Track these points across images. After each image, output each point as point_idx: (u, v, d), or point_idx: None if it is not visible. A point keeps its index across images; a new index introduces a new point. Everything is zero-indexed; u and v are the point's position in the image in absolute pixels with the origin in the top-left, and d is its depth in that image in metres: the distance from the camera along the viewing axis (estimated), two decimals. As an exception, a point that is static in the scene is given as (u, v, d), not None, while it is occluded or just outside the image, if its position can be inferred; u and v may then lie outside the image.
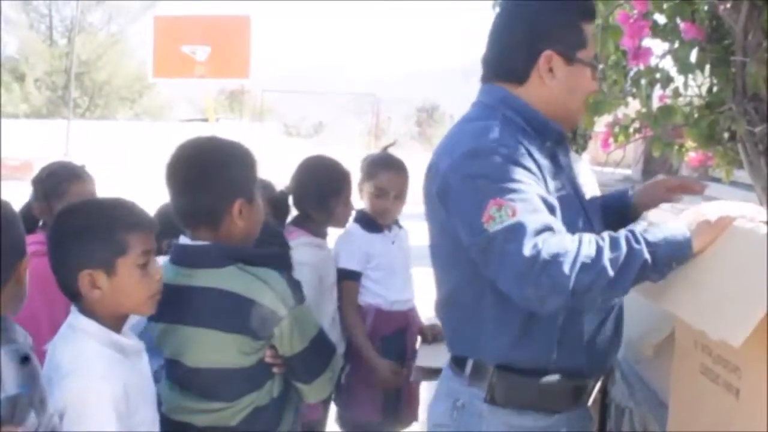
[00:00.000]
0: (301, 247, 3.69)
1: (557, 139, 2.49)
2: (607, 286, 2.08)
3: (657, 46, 3.28)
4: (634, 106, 3.56)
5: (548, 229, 2.15)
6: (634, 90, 3.37)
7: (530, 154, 2.32)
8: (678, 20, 3.17)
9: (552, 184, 2.36)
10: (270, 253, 2.67)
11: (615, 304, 2.46)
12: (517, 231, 2.13)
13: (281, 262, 2.67)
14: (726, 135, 3.06)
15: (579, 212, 2.42)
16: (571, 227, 2.24)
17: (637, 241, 2.07)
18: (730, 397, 1.86)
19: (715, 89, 3.26)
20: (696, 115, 3.19)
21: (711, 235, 2.03)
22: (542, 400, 2.40)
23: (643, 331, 2.62)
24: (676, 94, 3.22)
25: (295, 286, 2.60)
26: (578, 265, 2.06)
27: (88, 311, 2.40)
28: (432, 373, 3.55)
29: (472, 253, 2.27)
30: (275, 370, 2.60)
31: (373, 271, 3.99)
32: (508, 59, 2.50)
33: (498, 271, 2.20)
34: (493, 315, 2.38)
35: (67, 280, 2.41)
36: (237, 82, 24.38)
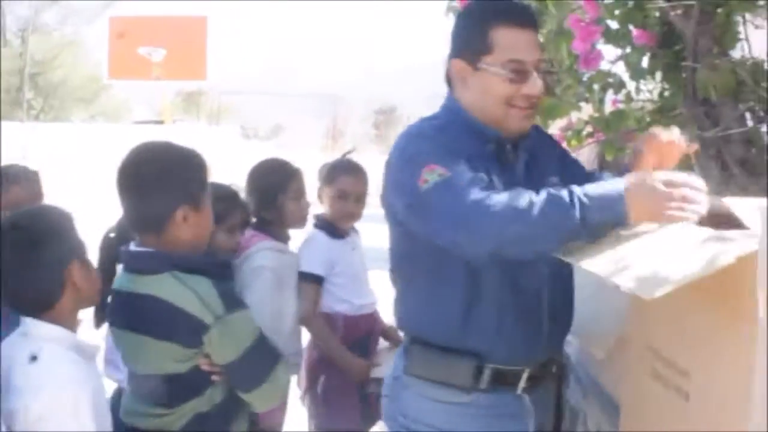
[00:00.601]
0: (261, 252, 3.69)
1: (498, 142, 2.52)
2: (536, 238, 2.17)
3: (609, 51, 3.32)
4: (587, 110, 3.60)
5: (481, 181, 2.29)
6: (588, 95, 3.41)
7: (456, 144, 2.42)
8: (630, 26, 3.21)
9: (495, 180, 2.43)
10: (206, 260, 2.64)
11: (537, 293, 2.49)
12: (450, 183, 2.27)
13: (218, 270, 2.63)
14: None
15: None
16: None
17: (571, 198, 2.12)
18: (680, 401, 1.88)
19: (666, 94, 3.30)
20: (648, 120, 3.23)
21: (651, 200, 2.04)
22: (450, 376, 2.51)
23: (595, 334, 2.63)
24: (629, 98, 3.26)
25: (228, 295, 2.56)
26: (508, 214, 2.16)
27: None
28: None
29: (409, 217, 2.43)
30: (214, 378, 2.58)
31: (337, 278, 3.97)
32: (445, 68, 2.61)
33: (432, 222, 2.32)
34: (413, 291, 2.59)
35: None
36: (194, 84, 24.25)
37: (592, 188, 2.14)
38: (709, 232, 1.86)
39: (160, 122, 22.76)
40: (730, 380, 1.69)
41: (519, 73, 2.44)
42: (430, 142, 2.44)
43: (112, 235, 3.54)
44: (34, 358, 2.29)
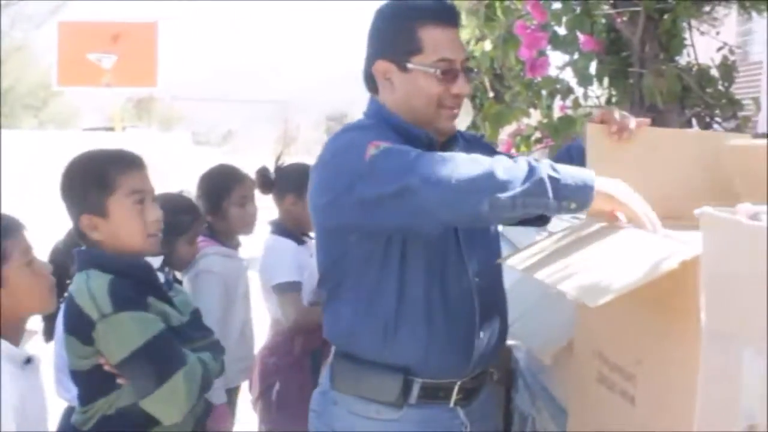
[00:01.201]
0: (208, 257, 3.68)
1: (427, 143, 2.45)
2: (495, 188, 2.03)
3: (557, 57, 3.34)
4: (535, 116, 3.61)
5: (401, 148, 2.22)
6: (536, 101, 3.42)
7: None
8: (577, 32, 3.23)
9: None
10: (120, 260, 2.61)
11: (468, 305, 2.44)
12: (396, 148, 2.21)
13: (130, 270, 2.60)
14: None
15: None
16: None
17: (538, 162, 2.07)
18: (626, 404, 1.89)
19: (613, 100, 3.33)
20: (595, 126, 3.24)
21: (612, 203, 2.02)
22: (378, 392, 2.45)
23: (543, 340, 2.64)
24: (576, 104, 3.28)
25: (120, 294, 2.52)
26: (463, 163, 2.09)
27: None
28: None
29: (361, 190, 2.23)
30: (119, 380, 2.55)
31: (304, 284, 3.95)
32: (363, 72, 2.56)
33: (376, 183, 2.20)
34: (340, 303, 2.49)
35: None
36: (145, 90, 24.06)
37: (563, 166, 2.07)
38: (652, 236, 1.87)
39: (111, 129, 22.57)
40: (675, 384, 1.70)
41: (448, 72, 2.41)
42: (365, 130, 2.40)
43: (60, 246, 3.49)
44: None
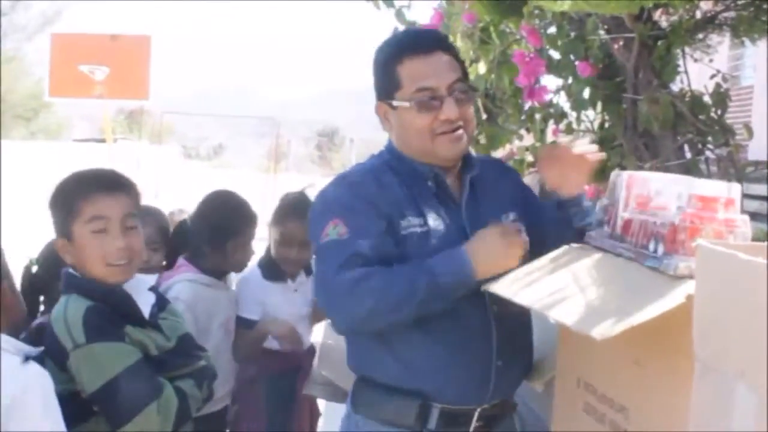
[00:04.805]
0: (179, 283, 3.54)
1: (435, 178, 2.50)
2: (388, 313, 2.30)
3: (551, 81, 3.35)
4: (528, 139, 3.62)
5: (360, 255, 2.34)
6: (529, 124, 3.43)
7: (383, 191, 2.46)
8: (572, 57, 3.24)
9: (411, 221, 2.45)
10: (97, 286, 2.56)
11: (485, 332, 2.45)
12: (340, 247, 2.36)
13: (106, 297, 2.55)
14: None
15: (450, 246, 2.39)
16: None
17: (424, 272, 2.28)
18: (617, 436, 1.88)
19: (606, 125, 3.33)
20: (588, 151, 3.24)
21: (492, 252, 2.27)
22: (397, 417, 2.48)
23: (535, 366, 2.63)
24: (569, 129, 3.29)
25: (95, 324, 2.48)
26: (364, 294, 2.28)
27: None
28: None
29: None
30: (96, 408, 2.52)
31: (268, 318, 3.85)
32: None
33: (320, 266, 2.46)
34: (356, 334, 2.55)
35: None
36: (136, 103, 24.03)
37: (438, 257, 2.30)
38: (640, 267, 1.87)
39: (102, 140, 22.52)
40: (668, 418, 1.69)
41: (431, 100, 2.44)
42: (348, 191, 2.48)
43: (34, 267, 3.43)
44: None
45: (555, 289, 1.92)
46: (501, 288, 2.14)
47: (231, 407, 3.85)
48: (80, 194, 2.57)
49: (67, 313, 2.48)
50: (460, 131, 2.48)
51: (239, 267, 3.77)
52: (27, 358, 2.26)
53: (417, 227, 2.44)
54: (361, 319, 2.33)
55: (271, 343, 3.83)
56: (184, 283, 3.52)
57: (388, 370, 2.48)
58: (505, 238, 2.27)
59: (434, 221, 2.45)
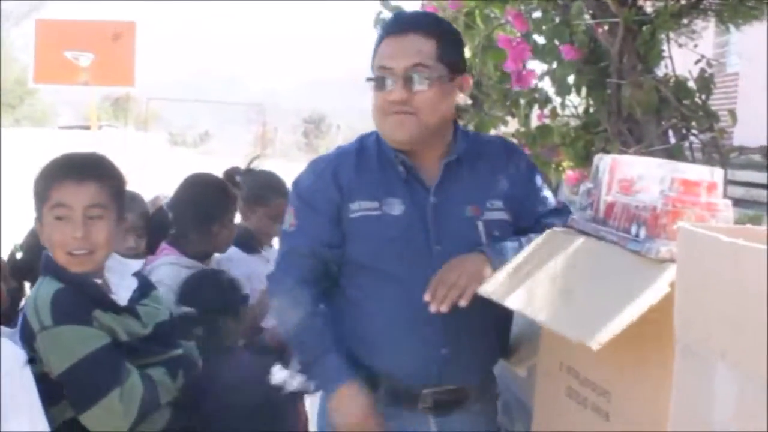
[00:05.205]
0: (162, 267, 3.52)
1: (404, 163, 2.55)
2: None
3: (536, 66, 3.35)
4: (513, 124, 3.62)
5: (297, 253, 2.59)
6: (514, 109, 3.43)
7: (338, 179, 2.57)
8: (557, 42, 3.23)
9: (362, 204, 2.54)
10: (66, 271, 2.54)
11: (431, 317, 2.43)
12: (287, 239, 2.67)
13: (76, 281, 2.53)
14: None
15: (406, 230, 2.52)
16: (383, 243, 2.52)
17: (312, 348, 2.55)
18: (599, 420, 1.88)
19: (591, 110, 3.33)
20: (572, 135, 3.25)
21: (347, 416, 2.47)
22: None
23: (517, 351, 2.63)
24: (554, 114, 3.28)
25: (63, 307, 2.46)
26: (275, 296, 2.65)
27: None
28: None
29: None
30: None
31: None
32: None
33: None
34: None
35: None
36: (122, 89, 23.91)
37: (331, 365, 2.51)
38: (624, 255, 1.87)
39: (87, 127, 22.41)
40: (651, 401, 1.70)
41: (383, 79, 2.49)
42: (309, 180, 2.63)
43: (19, 254, 3.42)
44: None
45: (543, 288, 1.93)
46: (491, 289, 2.15)
47: None
48: (50, 179, 2.56)
49: (37, 296, 2.47)
50: (405, 115, 2.49)
51: (223, 247, 3.77)
52: None
53: (369, 211, 2.52)
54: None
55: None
56: (168, 266, 3.52)
57: (348, 342, 2.56)
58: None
59: (391, 206, 2.51)
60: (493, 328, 2.59)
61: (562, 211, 2.62)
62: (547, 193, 2.71)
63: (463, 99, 2.61)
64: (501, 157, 2.68)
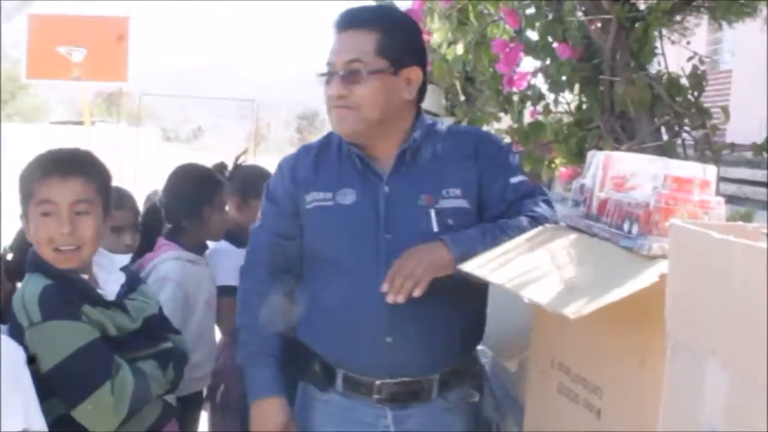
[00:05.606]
0: (166, 262, 3.55)
1: (359, 156, 2.62)
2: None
3: (529, 63, 3.34)
4: (506, 121, 3.61)
5: (259, 247, 2.80)
6: (507, 106, 3.42)
7: (295, 173, 2.72)
8: (549, 38, 3.23)
9: (316, 195, 2.65)
10: (55, 269, 2.55)
11: (373, 309, 2.52)
12: (254, 236, 2.86)
13: (63, 277, 2.54)
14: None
15: (357, 219, 2.59)
16: (334, 233, 2.62)
17: (254, 353, 2.70)
18: (591, 417, 1.88)
19: (584, 107, 3.33)
20: (565, 132, 3.25)
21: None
22: (311, 377, 2.73)
23: (508, 345, 2.64)
24: (547, 110, 3.28)
25: (51, 303, 2.47)
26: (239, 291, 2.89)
27: None
28: None
29: None
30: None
31: None
32: None
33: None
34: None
35: None
36: (115, 85, 23.84)
37: (265, 379, 2.68)
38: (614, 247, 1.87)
39: (80, 123, 22.35)
40: (642, 396, 1.70)
41: (327, 75, 2.59)
42: (278, 177, 2.78)
43: (9, 255, 3.42)
44: None
45: (529, 268, 1.93)
46: (473, 267, 2.15)
47: (218, 387, 3.88)
48: (35, 176, 2.57)
49: (25, 292, 2.48)
50: (345, 110, 2.55)
51: (217, 234, 3.82)
52: None
53: (323, 201, 2.61)
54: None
55: None
56: (172, 262, 3.54)
57: (306, 332, 2.70)
58: None
59: (344, 196, 2.58)
60: (446, 321, 2.59)
61: (534, 193, 2.64)
62: (520, 178, 2.73)
63: (410, 93, 2.64)
64: (467, 144, 2.72)
